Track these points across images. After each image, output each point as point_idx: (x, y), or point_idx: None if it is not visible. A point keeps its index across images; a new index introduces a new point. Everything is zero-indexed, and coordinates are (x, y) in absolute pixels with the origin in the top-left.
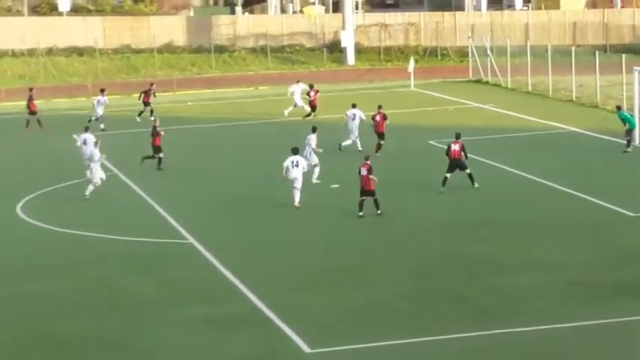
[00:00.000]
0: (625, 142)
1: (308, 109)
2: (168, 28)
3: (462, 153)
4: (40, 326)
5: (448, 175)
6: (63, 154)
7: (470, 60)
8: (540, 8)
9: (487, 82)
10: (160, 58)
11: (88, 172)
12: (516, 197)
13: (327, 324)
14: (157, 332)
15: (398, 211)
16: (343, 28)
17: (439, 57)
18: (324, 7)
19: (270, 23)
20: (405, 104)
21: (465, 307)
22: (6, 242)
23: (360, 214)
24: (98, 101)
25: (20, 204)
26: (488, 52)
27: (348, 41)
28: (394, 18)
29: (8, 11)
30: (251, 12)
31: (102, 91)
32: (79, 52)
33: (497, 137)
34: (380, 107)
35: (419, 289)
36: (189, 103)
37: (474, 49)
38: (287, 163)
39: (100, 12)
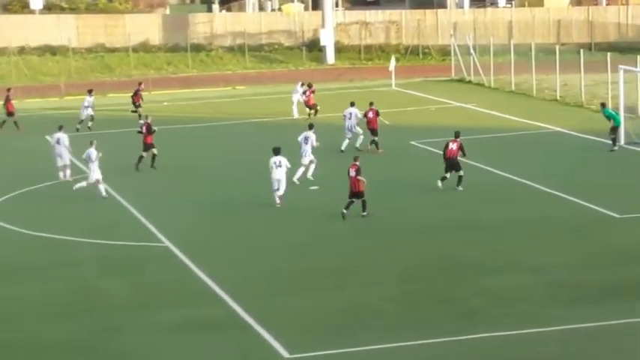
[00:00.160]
0: (610, 140)
1: (295, 110)
2: (144, 27)
3: (460, 152)
4: (13, 330)
5: (447, 175)
6: (36, 155)
7: (452, 59)
8: (524, 5)
9: (470, 82)
10: (135, 57)
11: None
12: (500, 198)
13: (307, 328)
14: (133, 336)
15: (381, 213)
16: (323, 26)
17: (421, 56)
18: (303, 5)
19: (247, 21)
20: (386, 104)
21: (452, 310)
22: None
23: (344, 211)
24: (87, 102)
25: None
26: (471, 50)
27: (327, 40)
28: (375, 16)
29: None
30: (228, 10)
31: (89, 91)
32: (52, 51)
33: (481, 137)
34: (372, 104)
35: (404, 291)
36: (165, 103)
37: (457, 48)
38: (270, 164)
39: (73, 10)
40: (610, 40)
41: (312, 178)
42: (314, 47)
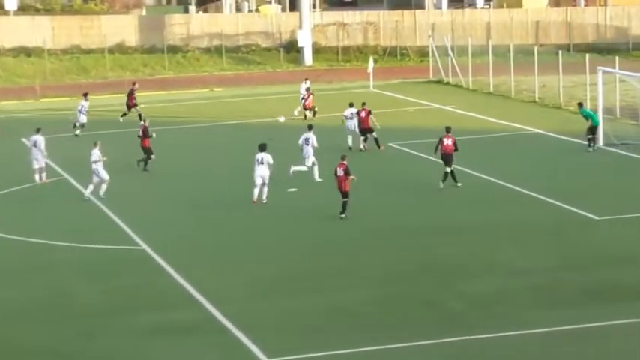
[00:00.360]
0: (586, 141)
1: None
2: (120, 28)
3: (454, 147)
4: None
5: (447, 169)
6: (11, 158)
7: (430, 60)
8: (502, 7)
9: (448, 83)
10: (111, 59)
11: (94, 177)
12: (478, 201)
13: (286, 331)
14: (110, 340)
15: (360, 215)
16: (300, 27)
17: (399, 57)
18: (280, 6)
19: (224, 22)
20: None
21: (432, 313)
22: None
23: (343, 215)
24: (82, 106)
25: None
26: (449, 51)
27: (305, 41)
28: (352, 17)
29: None
30: (205, 11)
31: (85, 95)
32: (27, 52)
33: (459, 139)
34: (364, 104)
35: (383, 294)
36: (141, 106)
37: (435, 49)
38: (254, 160)
39: (48, 11)
40: (588, 41)
41: (320, 180)
42: (292, 49)
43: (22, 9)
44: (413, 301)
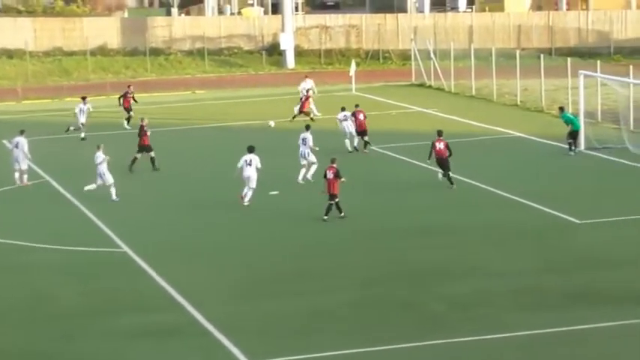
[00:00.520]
0: (567, 145)
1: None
2: (102, 30)
3: (447, 150)
4: None
5: (442, 171)
6: None
7: (412, 63)
8: (484, 10)
9: (430, 86)
10: (93, 61)
11: (98, 178)
12: (460, 204)
13: (268, 334)
14: (90, 343)
15: (342, 217)
16: (283, 30)
17: (381, 60)
18: (262, 9)
19: (207, 25)
20: (346, 109)
21: (413, 315)
22: None
23: (342, 215)
24: (80, 109)
25: None
26: (432, 55)
27: (287, 44)
28: (335, 20)
29: None
30: (187, 13)
31: (83, 98)
32: (9, 54)
33: None
34: (357, 106)
35: (364, 296)
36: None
37: (417, 52)
38: (241, 162)
39: (30, 13)
40: (570, 45)
41: (302, 182)
42: (274, 51)
43: (4, 10)
44: (394, 303)
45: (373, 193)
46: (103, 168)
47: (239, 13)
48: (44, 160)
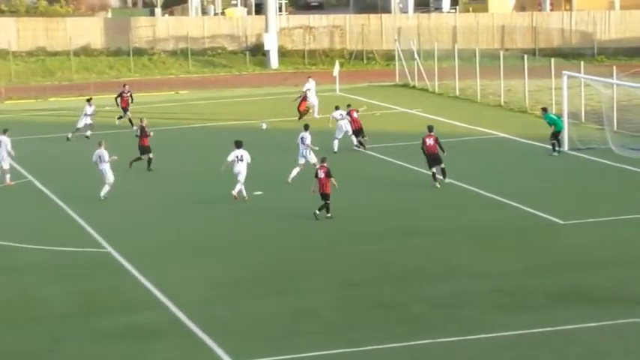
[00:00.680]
0: (550, 145)
1: (315, 109)
2: (85, 30)
3: (438, 147)
4: None
5: (434, 169)
6: None
7: (396, 64)
8: (468, 11)
9: (414, 87)
10: (76, 61)
11: (103, 176)
12: (443, 204)
13: (251, 334)
14: (74, 344)
15: (325, 218)
16: (266, 30)
17: (365, 60)
18: (246, 9)
19: (190, 25)
20: (330, 109)
21: (394, 316)
22: None
23: (316, 212)
24: (85, 112)
25: None
26: (415, 55)
27: (271, 44)
28: (319, 20)
29: None
30: (171, 13)
31: (88, 100)
32: None
33: None
34: (349, 106)
35: (346, 297)
36: (106, 108)
37: (401, 53)
38: (231, 157)
39: (13, 13)
40: (554, 45)
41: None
42: (258, 52)
43: None
44: (375, 304)
45: (356, 194)
46: (107, 166)
47: (223, 13)
48: (27, 160)
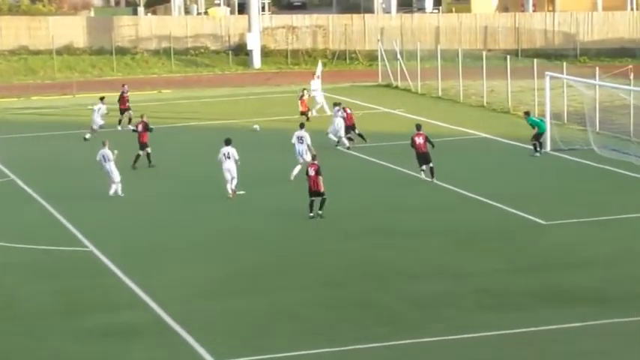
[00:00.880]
0: (531, 146)
1: (325, 107)
2: (68, 29)
3: (427, 144)
4: None
5: (424, 167)
6: None
7: (379, 64)
8: (451, 11)
9: (397, 87)
10: (59, 60)
11: (109, 176)
12: (426, 204)
13: (233, 333)
14: (55, 343)
15: (306, 216)
16: (249, 30)
17: (348, 60)
18: (229, 9)
19: (173, 24)
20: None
21: (376, 315)
22: None
23: (311, 214)
24: (99, 109)
25: None
26: (398, 55)
27: (254, 44)
28: (302, 20)
29: None
30: (154, 13)
31: (101, 99)
32: None
33: (407, 143)
34: (339, 104)
35: (327, 296)
36: (89, 107)
37: (384, 53)
38: (219, 155)
39: None
40: (536, 46)
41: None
42: (240, 51)
43: None
44: (357, 303)
45: (339, 194)
46: (112, 165)
47: (205, 12)
48: (9, 158)
